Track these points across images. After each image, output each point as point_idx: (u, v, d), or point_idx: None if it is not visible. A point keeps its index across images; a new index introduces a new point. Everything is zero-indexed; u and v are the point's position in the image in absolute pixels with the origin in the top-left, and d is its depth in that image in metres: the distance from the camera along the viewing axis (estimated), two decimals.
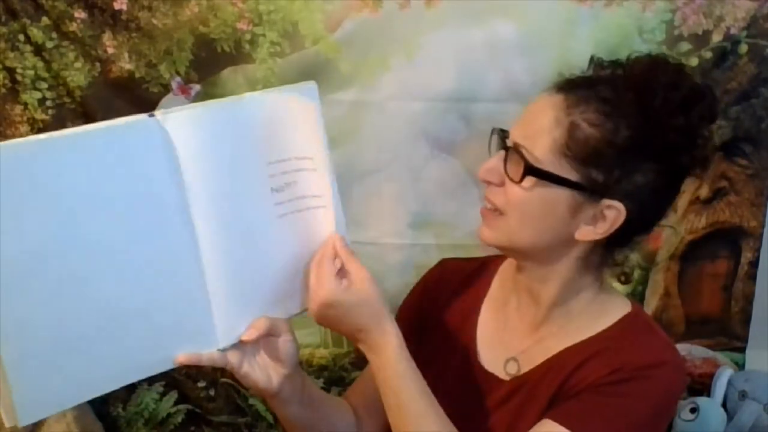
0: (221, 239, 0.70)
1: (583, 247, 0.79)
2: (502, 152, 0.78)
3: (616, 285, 0.87)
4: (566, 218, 0.76)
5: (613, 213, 0.75)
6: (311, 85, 0.75)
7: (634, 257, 1.46)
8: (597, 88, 0.76)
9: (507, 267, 0.91)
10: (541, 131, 0.75)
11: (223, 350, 0.74)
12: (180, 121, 0.64)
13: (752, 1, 1.30)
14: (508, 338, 0.87)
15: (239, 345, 0.75)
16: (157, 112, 0.65)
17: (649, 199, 0.77)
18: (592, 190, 0.75)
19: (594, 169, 0.74)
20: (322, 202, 0.76)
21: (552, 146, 0.74)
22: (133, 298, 0.65)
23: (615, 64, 0.79)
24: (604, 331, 0.82)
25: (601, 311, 0.83)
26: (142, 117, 0.64)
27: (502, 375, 0.86)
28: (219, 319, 0.72)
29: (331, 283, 0.74)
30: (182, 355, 0.71)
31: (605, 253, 0.81)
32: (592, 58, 0.82)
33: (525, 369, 0.84)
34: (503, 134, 0.81)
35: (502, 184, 0.78)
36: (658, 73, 0.75)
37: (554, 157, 0.75)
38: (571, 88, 0.77)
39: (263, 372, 0.77)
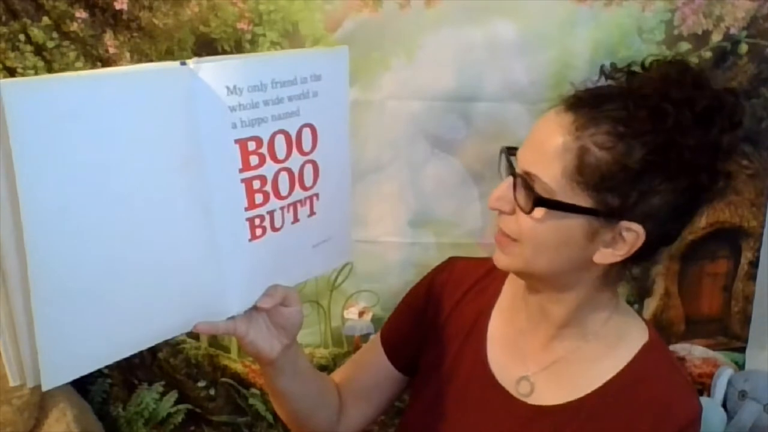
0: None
1: (602, 268, 0.77)
2: (511, 179, 0.74)
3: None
4: (583, 244, 0.73)
5: (632, 235, 0.72)
6: (343, 48, 0.75)
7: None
8: (607, 107, 0.71)
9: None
10: (550, 157, 0.71)
11: (233, 317, 0.74)
12: (213, 71, 0.61)
13: (752, 1, 1.30)
14: (519, 352, 0.86)
15: (247, 312, 0.75)
16: (190, 61, 0.61)
17: (669, 218, 0.73)
18: (608, 214, 0.71)
19: (608, 194, 0.70)
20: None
21: (563, 173, 0.70)
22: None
23: (627, 71, 0.74)
24: (625, 370, 0.80)
25: (618, 337, 0.81)
26: (174, 64, 0.61)
27: (513, 392, 0.85)
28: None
29: None
30: (202, 324, 0.70)
31: (623, 270, 0.79)
32: (602, 67, 0.77)
33: (540, 395, 0.83)
34: (510, 152, 0.77)
35: (513, 212, 0.75)
36: (671, 88, 0.70)
37: (566, 183, 0.71)
38: (580, 106, 0.72)
39: (267, 340, 0.77)
